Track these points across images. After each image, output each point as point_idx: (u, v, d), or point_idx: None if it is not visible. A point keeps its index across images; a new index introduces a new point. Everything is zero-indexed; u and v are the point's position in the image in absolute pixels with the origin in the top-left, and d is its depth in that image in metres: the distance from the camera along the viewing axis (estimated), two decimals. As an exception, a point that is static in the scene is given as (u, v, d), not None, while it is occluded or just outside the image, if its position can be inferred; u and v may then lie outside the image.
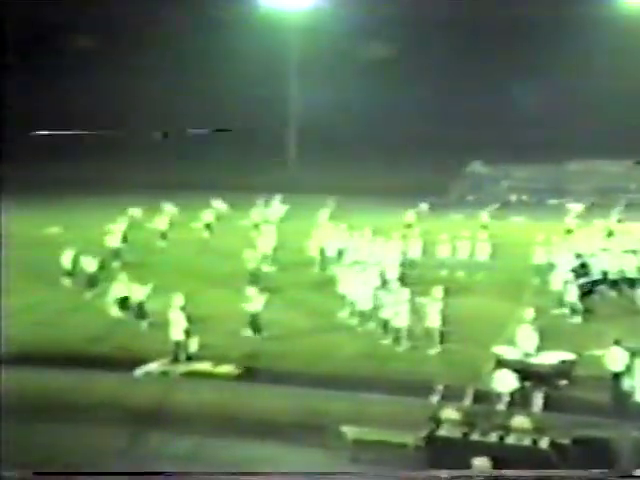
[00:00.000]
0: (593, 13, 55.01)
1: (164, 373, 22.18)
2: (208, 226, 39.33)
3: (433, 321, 23.69)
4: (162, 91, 60.18)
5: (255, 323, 24.89)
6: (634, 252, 29.59)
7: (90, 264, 30.11)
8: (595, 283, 27.87)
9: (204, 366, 22.31)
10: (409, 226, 37.28)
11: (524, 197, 56.83)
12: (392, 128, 58.75)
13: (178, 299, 23.74)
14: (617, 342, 20.32)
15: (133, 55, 61.00)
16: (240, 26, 57.12)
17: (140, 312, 26.01)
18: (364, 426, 18.24)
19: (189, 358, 22.80)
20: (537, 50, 58.83)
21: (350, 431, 18.14)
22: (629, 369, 19.52)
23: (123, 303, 26.66)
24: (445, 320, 23.74)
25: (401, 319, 23.89)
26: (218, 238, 38.00)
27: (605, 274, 28.60)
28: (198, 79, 59.80)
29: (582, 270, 28.45)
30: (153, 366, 22.42)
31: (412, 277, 29.28)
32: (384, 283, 27.07)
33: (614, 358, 19.94)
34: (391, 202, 42.44)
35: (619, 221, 37.40)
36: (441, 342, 23.54)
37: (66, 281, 30.46)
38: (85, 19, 59.25)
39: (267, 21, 57.84)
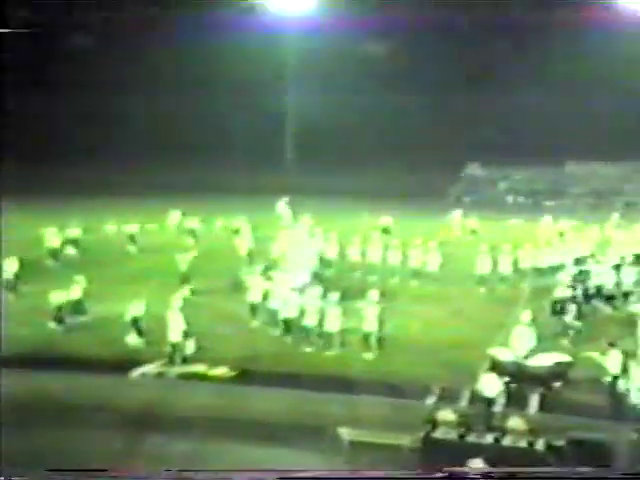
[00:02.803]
0: (591, 17, 54.97)
1: (160, 375, 22.17)
2: (192, 231, 39.10)
3: (370, 325, 23.59)
4: (158, 94, 60.11)
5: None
6: (632, 263, 29.53)
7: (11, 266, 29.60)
8: (589, 297, 27.48)
9: (199, 368, 22.32)
10: (385, 230, 37.28)
11: (521, 199, 57.06)
12: (390, 130, 58.73)
13: (177, 300, 23.80)
14: (612, 345, 20.47)
15: (129, 54, 60.99)
16: (238, 29, 57.09)
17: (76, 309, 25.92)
18: (360, 428, 18.25)
19: (185, 360, 22.81)
20: (536, 52, 58.81)
21: (346, 433, 18.13)
22: (624, 371, 19.61)
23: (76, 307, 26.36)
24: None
25: (333, 324, 23.72)
26: (203, 242, 37.88)
27: (600, 288, 28.05)
28: (193, 83, 59.75)
29: (581, 277, 28.31)
30: (149, 368, 22.42)
31: (353, 281, 29.74)
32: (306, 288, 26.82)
33: (611, 360, 20.05)
34: (384, 204, 42.25)
35: (617, 226, 37.30)
36: (378, 347, 23.44)
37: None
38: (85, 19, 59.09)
39: (265, 25, 57.88)
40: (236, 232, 36.91)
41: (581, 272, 28.65)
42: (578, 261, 30.74)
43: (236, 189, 48.90)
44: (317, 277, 29.11)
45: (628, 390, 18.63)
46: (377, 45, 59.17)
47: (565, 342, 23.94)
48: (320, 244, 33.22)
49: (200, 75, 58.92)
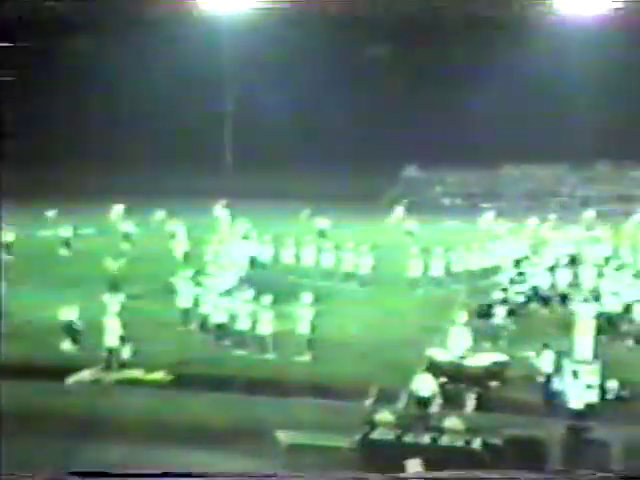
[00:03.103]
0: (530, 17, 55.66)
1: (96, 381, 21.90)
2: (126, 235, 38.65)
3: (303, 328, 23.63)
4: (93, 94, 59.42)
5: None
6: (567, 264, 29.92)
7: None
8: (526, 298, 27.69)
9: (136, 373, 22.10)
10: (321, 233, 37.32)
11: (458, 201, 57.55)
12: (328, 132, 58.69)
13: (114, 305, 23.56)
14: (546, 345, 20.83)
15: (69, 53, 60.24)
16: (176, 27, 56.67)
17: None
18: (298, 431, 18.20)
19: (121, 365, 22.56)
20: (472, 53, 59.20)
21: (284, 436, 18.07)
22: (558, 370, 19.92)
23: None
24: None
25: (266, 327, 23.69)
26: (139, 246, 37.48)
27: (536, 289, 28.32)
28: (131, 84, 59.13)
29: (517, 278, 28.57)
30: (85, 374, 22.12)
31: (287, 284, 29.66)
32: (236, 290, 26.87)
33: (544, 360, 20.38)
34: (322, 206, 42.20)
35: (552, 228, 37.74)
36: (312, 349, 23.45)
37: None
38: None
39: (203, 23, 57.58)
40: (172, 236, 36.60)
41: (519, 274, 28.95)
42: (514, 263, 31.13)
43: (173, 191, 48.46)
44: (248, 280, 28.97)
45: (561, 388, 18.84)
46: (316, 45, 59.06)
47: (501, 342, 24.20)
48: (254, 247, 33.19)
49: (137, 75, 58.35)
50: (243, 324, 23.97)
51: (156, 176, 53.23)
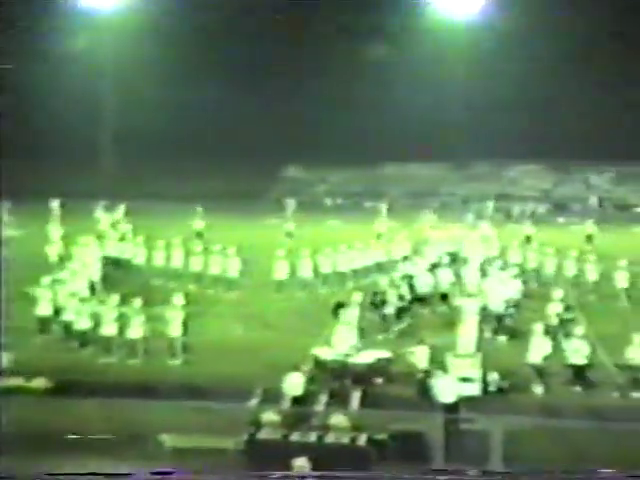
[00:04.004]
0: (411, 17, 56.58)
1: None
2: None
3: (175, 331, 23.46)
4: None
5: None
6: (448, 263, 30.42)
7: None
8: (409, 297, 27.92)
9: (16, 381, 21.48)
10: (199, 234, 37.12)
11: (340, 200, 57.97)
12: (212, 131, 58.23)
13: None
14: (421, 341, 21.25)
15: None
16: (56, 26, 55.34)
17: None
18: (183, 434, 18.03)
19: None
20: (356, 52, 59.53)
21: (169, 439, 17.88)
22: (440, 366, 20.32)
23: None
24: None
25: (135, 331, 23.36)
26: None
27: (417, 287, 28.22)
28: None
29: (399, 277, 28.78)
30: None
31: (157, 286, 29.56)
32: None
33: (419, 356, 20.77)
34: (204, 207, 41.75)
35: (434, 227, 38.20)
36: (183, 352, 23.35)
37: None
38: None
39: (82, 21, 56.51)
40: (48, 239, 35.70)
41: (401, 273, 29.24)
42: (396, 261, 31.50)
43: (54, 193, 47.24)
44: (115, 283, 28.47)
45: (443, 383, 19.16)
46: (200, 44, 58.49)
47: (385, 339, 24.52)
48: (130, 249, 32.81)
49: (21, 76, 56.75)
50: (109, 329, 23.51)
51: (37, 176, 51.89)
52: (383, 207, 40.47)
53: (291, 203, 44.43)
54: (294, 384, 19.59)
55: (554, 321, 23.95)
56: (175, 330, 23.37)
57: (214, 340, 24.84)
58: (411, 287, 27.59)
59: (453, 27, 56.73)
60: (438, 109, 56.52)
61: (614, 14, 52.92)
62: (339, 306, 25.16)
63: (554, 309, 24.60)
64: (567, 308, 25.16)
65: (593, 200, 56.39)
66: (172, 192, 50.87)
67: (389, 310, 25.72)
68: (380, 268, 31.77)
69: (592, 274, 29.89)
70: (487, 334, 24.65)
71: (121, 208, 39.16)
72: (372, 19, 55.89)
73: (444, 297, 27.97)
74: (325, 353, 21.86)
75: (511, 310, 25.70)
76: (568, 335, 22.23)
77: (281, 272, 30.51)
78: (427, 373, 20.33)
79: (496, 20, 54.99)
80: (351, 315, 23.54)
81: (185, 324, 23.49)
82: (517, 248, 32.73)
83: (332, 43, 58.52)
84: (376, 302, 26.15)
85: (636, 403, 20.39)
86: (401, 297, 26.53)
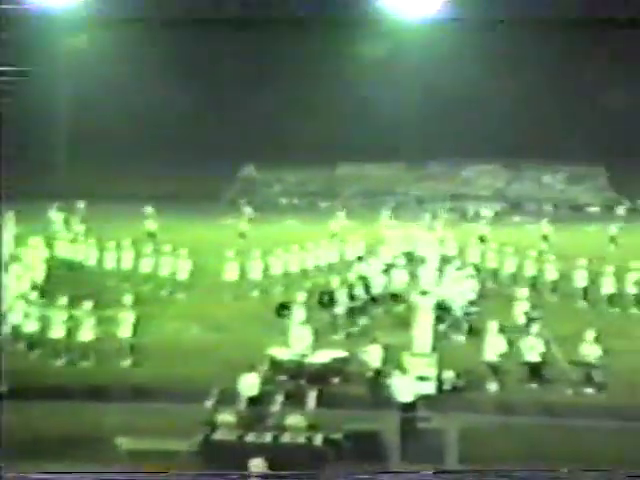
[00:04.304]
0: (361, 18, 56.55)
1: None
2: None
3: (125, 332, 23.27)
4: None
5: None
6: (404, 263, 30.46)
7: None
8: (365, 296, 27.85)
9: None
10: (152, 235, 36.87)
11: (295, 200, 57.90)
12: (166, 131, 57.88)
13: None
14: (374, 340, 21.28)
15: None
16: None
17: None
18: (139, 436, 17.85)
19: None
20: (310, 55, 59.49)
21: (124, 442, 17.69)
22: (395, 364, 20.35)
23: None
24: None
25: (86, 333, 23.08)
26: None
27: (373, 287, 28.16)
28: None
29: (354, 278, 28.72)
30: None
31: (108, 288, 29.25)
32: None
33: (372, 355, 20.78)
34: (159, 207, 41.41)
35: (389, 226, 38.27)
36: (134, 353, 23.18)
37: None
38: None
39: (32, 20, 55.73)
40: None
41: (354, 273, 29.17)
42: (351, 262, 31.51)
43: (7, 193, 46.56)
44: (63, 285, 28.16)
45: (399, 381, 19.18)
46: (153, 44, 58.06)
47: (340, 339, 24.53)
48: (82, 250, 32.53)
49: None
50: (58, 332, 23.20)
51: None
52: (338, 207, 40.46)
53: (245, 203, 44.39)
54: (250, 384, 19.50)
55: (521, 320, 24.09)
56: (126, 332, 23.14)
57: (166, 342, 24.68)
58: (365, 287, 27.55)
59: (408, 27, 56.84)
60: (392, 109, 56.67)
61: (568, 14, 53.46)
62: (283, 307, 25.18)
63: (521, 308, 24.72)
64: (533, 307, 25.29)
65: (548, 202, 56.82)
66: (126, 193, 50.39)
67: (339, 310, 25.67)
68: (333, 268, 31.68)
69: (550, 273, 30.06)
70: (443, 333, 24.72)
71: (75, 209, 38.82)
72: (327, 18, 55.86)
73: (396, 297, 27.95)
74: (281, 353, 21.81)
75: (467, 309, 25.81)
76: (524, 333, 22.40)
77: (231, 273, 30.26)
78: (379, 372, 20.39)
79: (452, 20, 55.24)
80: (302, 315, 23.45)
81: (136, 326, 23.27)
82: (472, 247, 32.93)
83: (286, 43, 58.42)
84: (324, 302, 26.06)
85: (588, 399, 20.58)
86: (353, 297, 26.47)
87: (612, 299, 28.38)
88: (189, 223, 42.23)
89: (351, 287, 26.99)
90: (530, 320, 23.86)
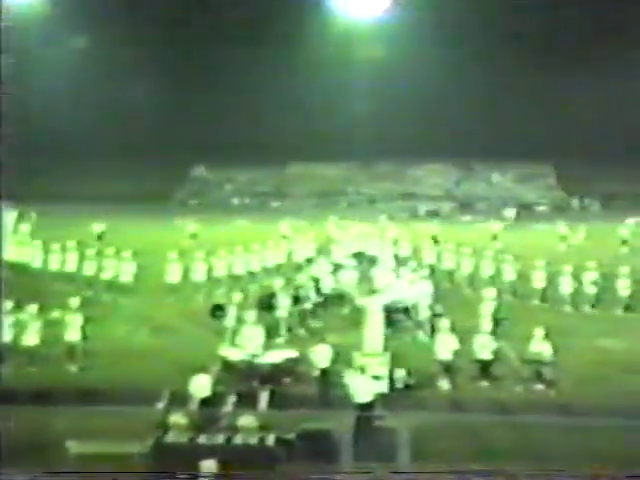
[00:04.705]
0: (312, 23, 56.66)
1: None
2: None
3: (73, 336, 22.98)
4: None
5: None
6: (355, 263, 30.50)
7: None
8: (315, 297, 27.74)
9: None
10: (99, 237, 36.52)
11: (247, 200, 57.83)
12: (116, 131, 57.40)
13: None
14: (323, 340, 21.27)
15: None
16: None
17: None
18: (89, 439, 17.65)
19: None
20: (260, 56, 59.45)
21: (74, 446, 17.47)
22: (347, 364, 20.38)
23: None
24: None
25: (31, 337, 22.67)
26: None
27: (324, 287, 28.18)
28: None
29: (307, 276, 28.65)
30: None
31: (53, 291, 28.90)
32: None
33: (319, 355, 20.77)
34: (108, 209, 41.16)
35: (339, 226, 38.28)
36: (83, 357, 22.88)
37: None
38: None
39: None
40: None
41: (304, 274, 29.11)
42: (302, 261, 31.51)
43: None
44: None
45: (352, 381, 19.20)
46: (99, 40, 57.64)
47: (287, 341, 24.51)
48: (29, 252, 32.16)
49: None
50: (4, 336, 22.74)
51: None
52: (289, 206, 40.43)
53: (196, 204, 44.24)
54: (202, 385, 19.38)
55: (488, 320, 24.20)
56: (74, 335, 22.85)
57: (115, 345, 24.40)
58: (316, 288, 27.54)
59: (358, 28, 57.13)
60: (343, 109, 56.82)
61: (516, 15, 54.00)
62: (217, 308, 25.02)
63: (487, 308, 24.83)
64: (499, 307, 25.40)
65: (498, 201, 57.29)
66: (77, 193, 49.99)
67: (281, 313, 25.62)
68: (281, 270, 31.54)
69: (507, 273, 30.15)
70: (394, 332, 24.80)
71: (22, 210, 38.36)
72: (276, 20, 55.89)
73: (344, 297, 27.97)
74: (232, 354, 21.72)
75: (418, 308, 25.91)
76: (476, 331, 22.54)
77: (174, 275, 29.88)
78: (327, 372, 20.43)
79: (401, 21, 55.56)
80: (252, 316, 23.31)
81: (84, 329, 22.98)
82: (425, 247, 33.07)
83: (236, 45, 58.37)
84: (265, 304, 26.01)
85: (538, 396, 20.78)
86: (299, 299, 26.43)
87: (565, 298, 28.60)
88: (139, 224, 41.94)
89: (298, 289, 26.91)
90: (498, 320, 24.03)
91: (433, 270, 30.40)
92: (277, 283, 26.66)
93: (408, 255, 32.47)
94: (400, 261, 30.89)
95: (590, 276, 28.43)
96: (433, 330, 24.58)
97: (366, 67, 57.03)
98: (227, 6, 54.64)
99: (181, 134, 56.76)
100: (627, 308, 28.04)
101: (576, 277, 28.57)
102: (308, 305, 26.58)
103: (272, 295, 26.17)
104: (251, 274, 31.00)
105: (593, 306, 28.32)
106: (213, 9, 54.47)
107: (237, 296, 25.16)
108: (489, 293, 25.87)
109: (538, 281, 29.26)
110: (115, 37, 56.70)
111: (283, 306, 25.55)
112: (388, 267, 29.39)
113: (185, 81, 59.28)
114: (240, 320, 23.60)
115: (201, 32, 57.18)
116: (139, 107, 57.01)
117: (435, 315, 25.55)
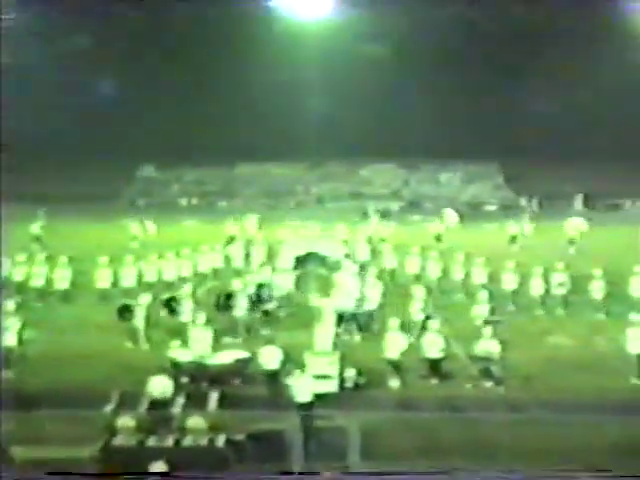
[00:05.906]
0: (259, 23, 56.46)
1: None
2: None
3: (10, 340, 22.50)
4: None
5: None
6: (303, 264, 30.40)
7: None
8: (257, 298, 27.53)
9: None
10: (38, 239, 36.06)
11: (194, 200, 57.51)
12: (61, 129, 56.55)
13: None
14: (271, 341, 21.24)
15: None
16: None
17: None
18: (36, 445, 17.39)
19: None
20: (210, 54, 58.96)
21: (18, 451, 17.20)
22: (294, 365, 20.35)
23: None
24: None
25: None
26: None
27: (265, 289, 27.44)
28: None
29: (253, 277, 28.48)
30: None
31: None
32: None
33: (270, 356, 20.72)
34: (49, 208, 40.44)
35: (288, 227, 38.12)
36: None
37: None
38: None
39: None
40: None
41: (253, 275, 28.99)
42: (245, 262, 31.39)
43: None
44: None
45: (300, 381, 19.14)
46: (83, 39, 56.83)
47: (242, 340, 24.43)
48: None
49: None
50: None
51: None
52: (238, 207, 40.20)
53: (144, 204, 43.84)
54: (160, 387, 19.23)
55: (417, 318, 24.29)
56: (11, 340, 22.49)
57: (52, 350, 23.94)
58: (266, 289, 27.41)
59: (305, 28, 57.04)
60: (289, 109, 56.59)
61: (469, 14, 54.32)
62: (124, 308, 24.90)
63: (416, 307, 24.91)
64: (426, 306, 25.50)
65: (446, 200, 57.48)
66: (16, 193, 49.05)
67: (238, 313, 25.53)
68: (229, 271, 31.26)
69: (456, 272, 30.23)
70: (343, 332, 24.83)
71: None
72: (227, 19, 55.66)
73: (292, 299, 27.94)
74: (181, 355, 21.57)
75: (368, 308, 25.94)
76: (424, 329, 22.66)
77: (103, 282, 29.06)
78: (275, 373, 20.39)
79: (348, 21, 55.61)
80: (202, 317, 23.13)
81: (21, 333, 22.62)
82: (371, 246, 33.11)
83: (186, 43, 58.03)
84: (220, 305, 25.89)
85: (487, 393, 20.96)
86: (251, 300, 26.31)
87: (513, 296, 28.73)
88: (83, 225, 41.38)
89: (245, 290, 26.76)
90: (426, 318, 24.10)
91: (380, 269, 30.38)
92: (235, 284, 26.51)
93: (352, 254, 32.28)
94: (346, 260, 30.80)
95: (535, 273, 28.57)
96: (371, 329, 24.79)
97: (315, 67, 56.91)
98: (182, 6, 54.37)
99: (130, 133, 56.13)
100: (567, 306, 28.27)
101: (521, 275, 28.77)
102: (258, 307, 26.45)
103: (229, 295, 26.03)
104: (198, 276, 30.71)
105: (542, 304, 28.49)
106: (166, 6, 54.09)
107: (145, 297, 24.96)
108: (418, 292, 25.87)
109: (479, 277, 29.25)
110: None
111: (238, 308, 25.47)
112: (336, 267, 29.40)
113: (133, 79, 58.63)
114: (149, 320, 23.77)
115: (150, 30, 56.79)
116: (89, 106, 56.39)
117: (363, 314, 25.64)
